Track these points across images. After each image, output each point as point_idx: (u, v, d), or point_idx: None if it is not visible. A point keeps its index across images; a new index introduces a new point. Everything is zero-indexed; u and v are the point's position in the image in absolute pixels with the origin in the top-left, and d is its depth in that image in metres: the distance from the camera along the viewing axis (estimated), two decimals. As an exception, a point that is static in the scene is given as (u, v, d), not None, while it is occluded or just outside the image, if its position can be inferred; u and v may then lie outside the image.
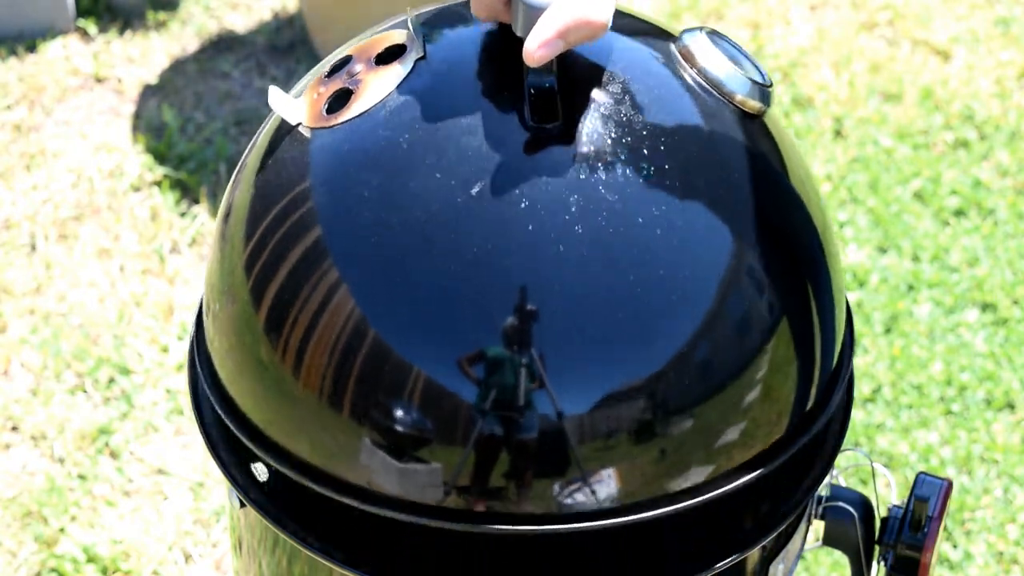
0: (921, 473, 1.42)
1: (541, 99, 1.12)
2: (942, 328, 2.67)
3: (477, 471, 1.11)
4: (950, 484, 1.42)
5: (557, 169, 1.11)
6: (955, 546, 2.31)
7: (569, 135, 1.12)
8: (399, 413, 1.11)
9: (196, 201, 2.89)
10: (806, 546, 1.46)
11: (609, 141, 1.13)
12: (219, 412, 1.24)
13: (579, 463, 1.11)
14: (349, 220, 1.14)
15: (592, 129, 1.13)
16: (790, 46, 3.37)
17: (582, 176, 1.11)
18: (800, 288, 1.21)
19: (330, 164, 1.17)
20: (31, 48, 3.27)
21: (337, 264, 1.13)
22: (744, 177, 1.19)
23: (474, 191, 1.10)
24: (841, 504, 1.43)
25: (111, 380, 2.52)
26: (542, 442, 1.10)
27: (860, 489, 2.20)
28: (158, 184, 2.92)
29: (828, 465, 1.35)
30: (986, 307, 2.72)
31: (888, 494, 2.30)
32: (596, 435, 1.11)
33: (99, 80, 3.22)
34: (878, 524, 1.45)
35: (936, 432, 2.47)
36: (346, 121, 1.16)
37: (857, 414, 2.51)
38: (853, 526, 1.43)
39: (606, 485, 1.13)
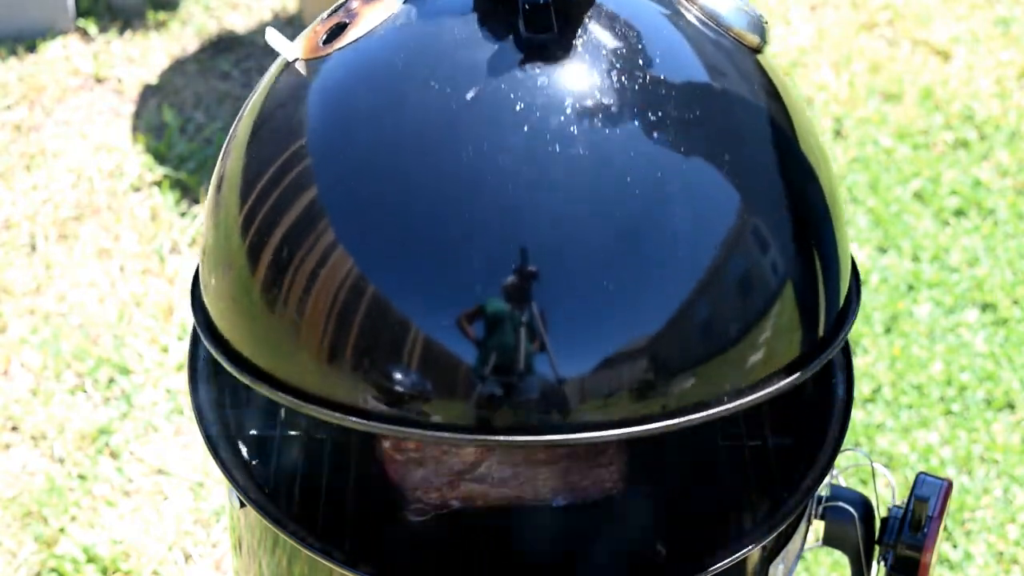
0: (921, 473, 1.42)
1: (535, 11, 1.11)
2: (942, 328, 2.67)
3: (483, 372, 1.09)
4: (950, 484, 1.42)
5: (551, 75, 1.11)
6: (955, 546, 2.31)
7: (564, 45, 1.12)
8: (397, 323, 1.10)
9: (196, 201, 2.89)
10: (806, 546, 1.46)
11: (604, 52, 1.13)
12: (215, 353, 1.22)
13: (583, 365, 1.10)
14: (344, 131, 1.14)
15: (587, 40, 1.13)
16: (790, 46, 3.37)
17: (576, 82, 1.11)
18: (802, 211, 1.20)
19: (325, 84, 1.17)
20: (31, 48, 3.27)
21: (334, 172, 1.13)
22: (740, 97, 1.18)
23: (469, 96, 1.10)
24: (841, 504, 1.43)
25: (111, 380, 2.52)
26: (542, 345, 1.08)
27: (860, 489, 2.20)
28: (158, 184, 2.92)
29: (828, 465, 1.36)
30: (986, 307, 2.72)
31: (888, 494, 2.30)
32: (605, 334, 1.10)
33: (99, 80, 3.22)
34: (878, 524, 1.45)
35: (936, 432, 2.47)
36: (341, 47, 1.17)
37: (857, 414, 2.51)
38: (853, 526, 1.43)
39: (618, 388, 1.11)
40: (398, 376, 1.10)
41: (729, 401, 1.13)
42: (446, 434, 1.11)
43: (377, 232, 1.10)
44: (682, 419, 1.11)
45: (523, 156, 1.08)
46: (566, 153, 1.08)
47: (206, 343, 1.23)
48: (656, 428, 1.11)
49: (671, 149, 1.12)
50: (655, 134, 1.11)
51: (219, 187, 1.23)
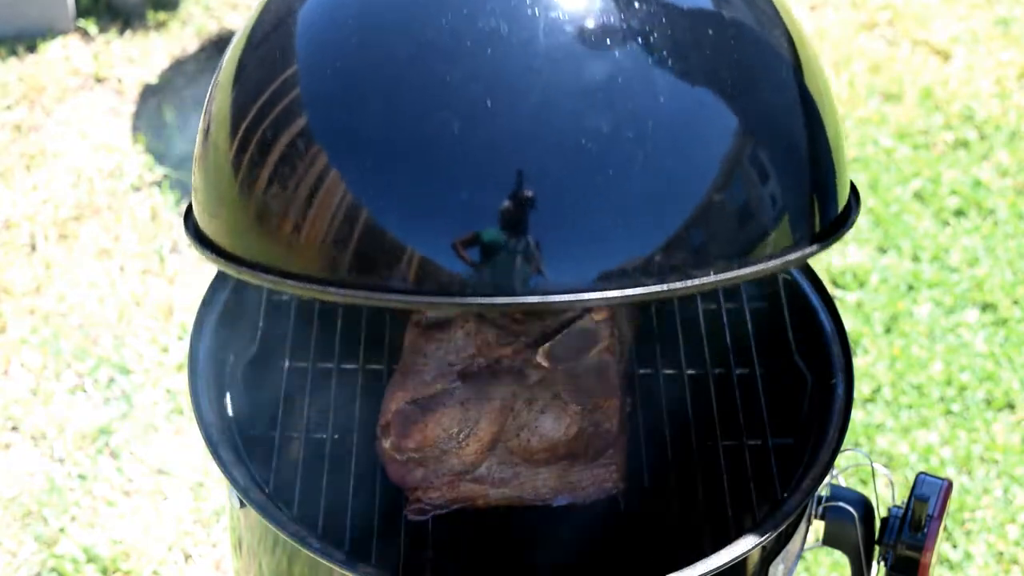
0: (921, 473, 1.42)
1: None
2: (942, 328, 2.67)
3: (463, 233, 1.10)
4: (950, 484, 1.42)
5: None
6: (955, 546, 2.31)
7: None
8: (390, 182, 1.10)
9: (196, 201, 2.89)
10: (806, 546, 1.46)
11: None
12: (206, 254, 1.22)
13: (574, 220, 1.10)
14: (333, 23, 1.16)
15: None
16: (790, 46, 3.37)
17: None
18: (797, 105, 1.20)
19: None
20: (31, 48, 3.27)
21: (316, 44, 1.16)
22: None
23: None
24: (841, 504, 1.43)
25: (111, 380, 2.52)
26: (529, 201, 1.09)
27: (860, 489, 2.20)
28: (158, 184, 2.93)
29: (828, 465, 1.36)
30: (986, 307, 2.72)
31: (888, 494, 2.30)
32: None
33: (99, 80, 3.22)
34: (878, 524, 1.45)
35: (936, 432, 2.47)
36: None
37: (857, 414, 2.51)
38: (853, 526, 1.43)
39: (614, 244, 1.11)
40: (376, 240, 1.10)
41: (715, 274, 1.12)
42: (423, 298, 1.10)
43: (358, 101, 1.12)
44: (664, 286, 1.10)
45: (503, 19, 1.10)
46: (546, 17, 1.09)
47: (200, 251, 1.23)
48: (638, 294, 1.10)
49: (646, 12, 1.12)
50: (637, 3, 1.12)
51: (214, 91, 1.24)
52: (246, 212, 1.17)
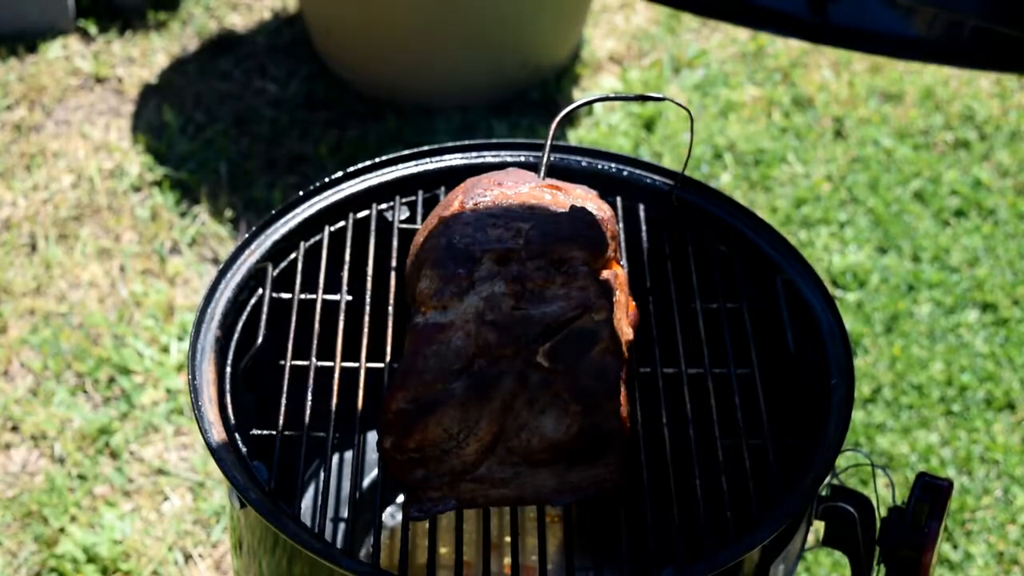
0: (921, 473, 1.42)
1: None
2: (942, 328, 2.67)
3: None
4: (950, 484, 1.42)
5: None
6: (955, 546, 2.31)
7: None
8: None
9: (196, 201, 2.89)
10: (806, 546, 1.46)
11: None
12: None
13: None
14: None
15: None
16: (790, 46, 3.37)
17: None
18: None
19: None
20: (31, 48, 3.27)
21: None
22: None
23: None
24: (841, 504, 1.43)
25: (111, 380, 2.52)
26: None
27: (860, 489, 2.20)
28: (158, 184, 2.93)
29: (828, 465, 1.36)
30: (986, 307, 2.72)
31: (888, 494, 2.30)
32: None
33: (99, 80, 3.22)
34: (878, 524, 1.45)
35: (936, 432, 2.47)
36: None
37: (857, 414, 2.51)
38: (853, 526, 1.43)
39: None
40: None
41: None
42: None
43: None
44: None
45: None
46: None
47: None
48: None
49: None
50: None
51: None
52: None
